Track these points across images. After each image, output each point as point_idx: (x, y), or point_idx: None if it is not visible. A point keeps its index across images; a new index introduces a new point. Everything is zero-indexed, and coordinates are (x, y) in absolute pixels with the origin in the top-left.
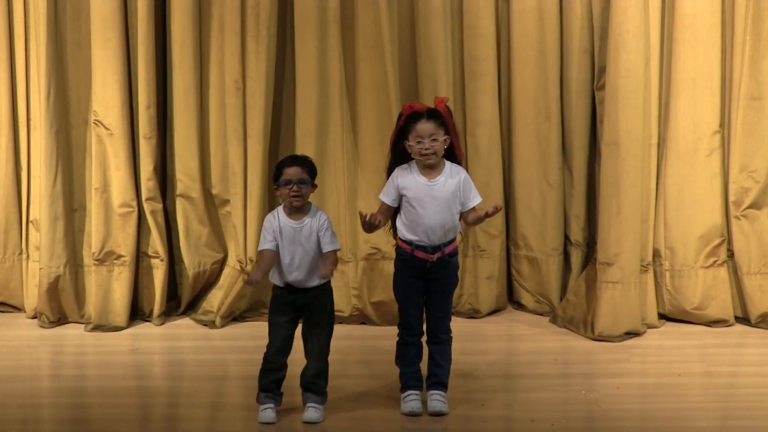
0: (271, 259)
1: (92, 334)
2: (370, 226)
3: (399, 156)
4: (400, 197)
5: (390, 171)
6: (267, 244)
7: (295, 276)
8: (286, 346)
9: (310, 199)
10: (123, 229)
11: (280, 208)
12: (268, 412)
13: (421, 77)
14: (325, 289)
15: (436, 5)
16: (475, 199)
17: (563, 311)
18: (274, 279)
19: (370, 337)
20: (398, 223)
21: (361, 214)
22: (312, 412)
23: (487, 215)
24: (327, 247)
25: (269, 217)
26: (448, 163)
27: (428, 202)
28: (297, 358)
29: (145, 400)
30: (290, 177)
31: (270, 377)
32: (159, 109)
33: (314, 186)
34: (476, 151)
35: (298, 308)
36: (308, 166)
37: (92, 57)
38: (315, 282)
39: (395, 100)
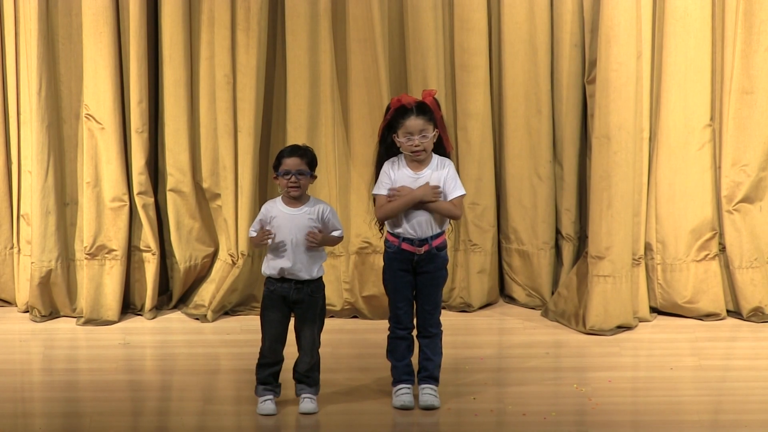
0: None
1: (84, 328)
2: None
3: (387, 149)
4: None
5: (378, 164)
6: (252, 233)
7: (287, 265)
8: (281, 340)
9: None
10: (114, 223)
11: (279, 198)
12: (268, 404)
13: (411, 70)
14: (319, 286)
15: None
16: (456, 192)
17: (555, 305)
18: (269, 269)
19: (362, 330)
20: None
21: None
22: (308, 402)
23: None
24: (334, 233)
25: (267, 204)
26: (435, 156)
27: None
28: (290, 351)
29: (137, 393)
30: (288, 168)
31: (267, 371)
32: (150, 103)
33: (314, 177)
34: (468, 145)
35: (290, 304)
36: (308, 157)
37: (84, 51)
38: (309, 275)
39: (386, 94)
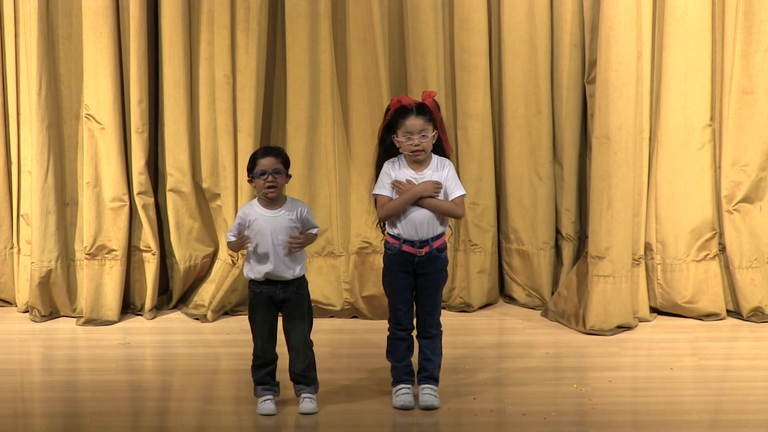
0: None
1: (84, 328)
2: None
3: (387, 150)
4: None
5: (378, 165)
6: (231, 237)
7: (271, 267)
8: (272, 339)
9: (290, 194)
10: (115, 223)
11: (255, 200)
12: (267, 404)
13: (411, 70)
14: (303, 283)
15: None
16: (457, 192)
17: (555, 305)
18: (252, 273)
19: (362, 330)
20: None
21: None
22: (308, 402)
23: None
24: (312, 231)
25: (244, 207)
26: (435, 157)
27: None
28: (284, 351)
29: (137, 393)
30: (265, 168)
31: (263, 371)
32: (150, 103)
33: (288, 176)
34: (468, 145)
35: (277, 304)
36: (282, 156)
37: (84, 51)
38: (292, 274)
39: (386, 94)
